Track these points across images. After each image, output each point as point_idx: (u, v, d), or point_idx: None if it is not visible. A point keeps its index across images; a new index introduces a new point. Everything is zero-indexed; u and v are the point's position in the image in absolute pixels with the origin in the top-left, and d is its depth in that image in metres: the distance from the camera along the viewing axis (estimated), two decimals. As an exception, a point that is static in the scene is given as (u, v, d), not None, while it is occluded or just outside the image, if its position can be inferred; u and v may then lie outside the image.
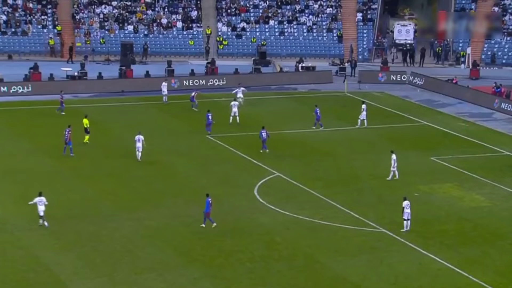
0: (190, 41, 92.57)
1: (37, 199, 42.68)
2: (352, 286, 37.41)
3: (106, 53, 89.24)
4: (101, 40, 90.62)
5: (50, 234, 42.14)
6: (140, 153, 53.91)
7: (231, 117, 63.53)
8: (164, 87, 70.96)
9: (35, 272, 37.73)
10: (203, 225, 43.20)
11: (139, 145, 53.87)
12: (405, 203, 43.11)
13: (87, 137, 56.83)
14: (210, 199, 43.39)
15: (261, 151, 56.84)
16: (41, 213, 42.53)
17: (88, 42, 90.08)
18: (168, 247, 41.02)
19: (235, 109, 63.78)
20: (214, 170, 53.64)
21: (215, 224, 43.20)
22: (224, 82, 79.64)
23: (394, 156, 51.54)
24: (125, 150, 56.68)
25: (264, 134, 57.12)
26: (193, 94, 68.96)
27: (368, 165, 55.41)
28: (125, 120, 64.55)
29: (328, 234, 43.27)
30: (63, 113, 65.47)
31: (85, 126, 56.63)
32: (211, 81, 79.74)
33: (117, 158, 55.00)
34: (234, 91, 69.25)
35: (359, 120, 64.45)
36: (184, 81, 78.86)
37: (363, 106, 64.71)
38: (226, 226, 43.91)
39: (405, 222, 43.04)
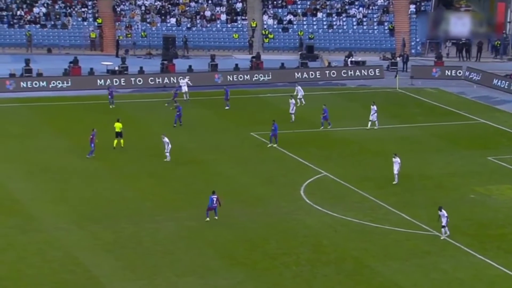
0: (234, 35, 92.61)
1: None
2: (403, 292, 37.09)
3: (147, 47, 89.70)
4: (142, 33, 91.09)
5: (89, 235, 42.42)
6: (168, 154, 53.62)
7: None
8: (183, 84, 70.36)
9: (74, 274, 38.00)
10: (208, 219, 43.96)
11: (167, 148, 53.55)
12: (441, 213, 41.97)
13: (121, 141, 55.86)
14: (215, 196, 43.91)
15: (269, 145, 56.79)
16: None
17: (129, 36, 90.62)
18: (209, 249, 41.04)
19: (292, 106, 63.48)
20: (258, 169, 53.57)
21: (208, 219, 43.96)
22: (270, 78, 79.52)
23: (398, 159, 50.33)
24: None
25: (273, 128, 56.71)
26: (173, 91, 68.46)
27: (420, 164, 54.90)
28: (166, 116, 64.75)
29: (378, 237, 42.93)
30: (113, 106, 66.17)
31: (118, 130, 56.06)
32: (256, 76, 79.66)
33: (158, 156, 55.19)
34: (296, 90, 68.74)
35: (369, 122, 62.86)
36: (228, 76, 78.90)
37: (373, 106, 63.03)
38: (270, 228, 43.80)
39: (442, 229, 42.17)
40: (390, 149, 58.28)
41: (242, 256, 40.46)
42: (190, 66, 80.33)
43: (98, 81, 75.53)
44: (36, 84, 74.08)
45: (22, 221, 43.82)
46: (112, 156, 54.79)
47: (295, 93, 67.66)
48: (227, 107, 67.42)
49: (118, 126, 56.14)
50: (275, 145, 57.03)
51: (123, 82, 75.85)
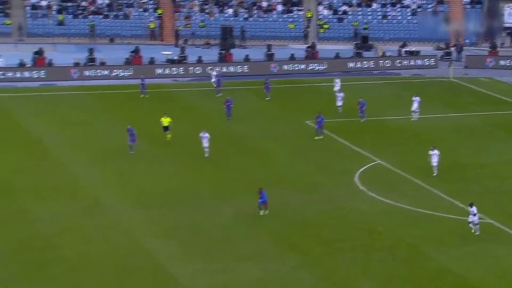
0: (290, 25, 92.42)
1: None
2: (457, 278, 36.74)
3: (205, 37, 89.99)
4: (200, 24, 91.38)
5: (150, 220, 42.80)
6: (206, 151, 52.11)
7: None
8: (214, 75, 69.94)
9: (136, 256, 38.39)
10: (262, 212, 43.07)
11: (206, 144, 51.97)
12: (472, 209, 41.00)
13: (169, 135, 54.90)
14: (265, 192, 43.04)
15: (316, 138, 56.12)
16: None
17: (188, 26, 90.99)
18: (266, 235, 41.10)
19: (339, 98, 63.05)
20: (313, 157, 53.47)
21: (262, 212, 43.17)
22: (325, 67, 79.26)
23: (436, 152, 49.38)
24: (224, 136, 57.07)
25: (319, 120, 56.09)
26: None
27: (474, 153, 54.29)
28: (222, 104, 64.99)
29: (431, 224, 42.60)
30: (142, 96, 66.02)
31: (166, 125, 54.83)
32: (311, 66, 79.46)
33: (216, 144, 55.38)
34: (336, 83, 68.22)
35: (412, 113, 61.67)
36: (284, 66, 78.82)
37: (416, 98, 61.91)
38: (325, 214, 43.73)
39: (470, 225, 41.16)
40: (444, 137, 57.76)
41: (298, 242, 40.45)
42: (246, 56, 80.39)
43: (158, 70, 76.06)
44: (99, 72, 74.91)
45: (87, 205, 44.40)
46: (172, 143, 55.14)
47: (335, 88, 67.02)
48: (268, 98, 66.85)
49: (165, 120, 54.91)
50: (320, 137, 56.32)
51: (182, 71, 76.26)
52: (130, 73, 74.98)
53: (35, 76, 73.30)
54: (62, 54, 78.90)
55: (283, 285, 36.04)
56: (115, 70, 75.22)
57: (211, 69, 72.59)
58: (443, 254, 38.99)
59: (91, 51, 78.43)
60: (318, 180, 48.95)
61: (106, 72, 74.96)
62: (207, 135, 51.81)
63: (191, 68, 76.65)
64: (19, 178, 48.14)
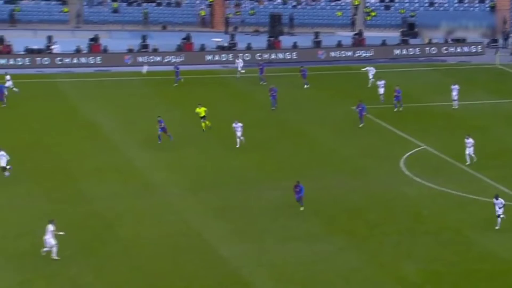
0: (337, 12, 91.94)
1: None
2: (502, 262, 36.41)
3: (255, 24, 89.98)
4: (250, 11, 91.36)
5: (201, 201, 43.08)
6: (239, 140, 50.86)
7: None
8: (239, 62, 69.33)
9: (187, 237, 38.71)
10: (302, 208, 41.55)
11: (239, 134, 50.76)
12: (497, 201, 39.94)
13: (204, 123, 53.71)
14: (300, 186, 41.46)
15: (361, 125, 55.43)
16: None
17: (238, 13, 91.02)
18: (313, 217, 41.13)
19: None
20: (359, 142, 53.28)
21: (302, 208, 41.49)
22: (371, 54, 78.82)
23: (471, 140, 48.23)
24: (271, 121, 57.14)
25: (361, 109, 55.40)
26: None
27: (520, 139, 53.60)
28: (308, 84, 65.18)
29: (476, 209, 42.23)
30: (176, 85, 65.91)
31: (203, 115, 53.67)
32: (358, 53, 79.07)
33: (264, 128, 55.54)
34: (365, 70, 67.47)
35: (454, 102, 60.10)
36: (331, 53, 78.55)
37: (455, 86, 60.23)
38: (371, 198, 43.60)
39: (498, 219, 40.21)
40: (489, 123, 57.14)
41: (344, 224, 40.43)
42: (295, 43, 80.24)
43: (208, 56, 76.31)
44: (151, 58, 75.36)
45: (140, 187, 44.81)
46: (220, 126, 55.34)
47: (364, 69, 66.44)
48: (306, 86, 66.09)
49: (201, 110, 53.86)
50: (361, 125, 55.76)
51: (231, 58, 76.34)
52: (181, 59, 75.30)
53: (91, 62, 74.02)
54: (117, 41, 79.52)
55: (330, 265, 36.07)
56: (167, 56, 75.65)
57: (236, 56, 72.31)
58: (488, 238, 38.67)
59: (144, 38, 78.94)
60: (364, 165, 48.79)
61: (158, 58, 75.42)
62: (240, 124, 50.82)
63: (240, 54, 76.67)
64: (77, 160, 48.73)
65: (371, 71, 66.45)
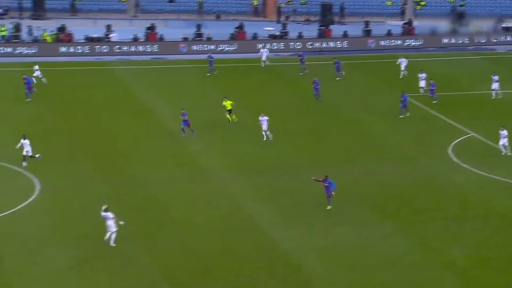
0: (387, 2, 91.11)
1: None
2: (548, 249, 35.89)
3: (306, 14, 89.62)
4: (302, 1, 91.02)
5: (251, 185, 43.16)
6: (265, 134, 49.41)
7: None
8: (264, 52, 68.61)
9: (238, 220, 38.84)
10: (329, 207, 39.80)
11: (265, 127, 49.36)
12: (502, 133, 38.09)
13: (234, 116, 52.47)
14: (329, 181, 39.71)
15: (401, 116, 54.51)
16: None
17: (290, 3, 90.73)
18: (361, 202, 40.95)
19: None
20: (408, 128, 52.84)
21: (329, 207, 39.57)
22: (421, 43, 78.02)
23: (505, 132, 47.14)
24: (321, 107, 56.94)
25: (403, 99, 54.38)
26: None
27: None
28: (323, 79, 64.68)
29: (523, 196, 41.65)
30: (209, 74, 65.47)
31: (229, 108, 52.36)
32: (408, 42, 78.32)
33: (314, 114, 55.37)
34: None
35: (492, 92, 59.24)
36: (381, 41, 77.94)
37: (494, 77, 59.21)
38: (419, 184, 43.24)
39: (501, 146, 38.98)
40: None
41: (392, 210, 40.18)
42: (345, 32, 79.77)
43: (259, 44, 76.26)
44: (205, 47, 75.59)
45: (194, 172, 45.06)
46: (271, 113, 55.29)
47: (397, 63, 65.50)
48: (338, 78, 64.89)
49: (228, 104, 52.53)
50: (407, 115, 54.65)
51: (282, 46, 76.25)
52: (234, 48, 75.40)
53: (148, 50, 74.51)
54: (172, 30, 79.89)
55: (378, 250, 35.91)
56: (220, 45, 75.82)
57: (262, 46, 71.70)
58: (535, 225, 38.13)
59: (198, 26, 79.20)
60: (412, 152, 48.39)
61: (212, 47, 75.62)
62: (266, 118, 49.41)
63: (292, 43, 76.57)
64: (133, 145, 49.14)
65: (403, 62, 65.67)
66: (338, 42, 77.71)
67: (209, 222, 38.53)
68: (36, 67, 61.46)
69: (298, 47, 76.21)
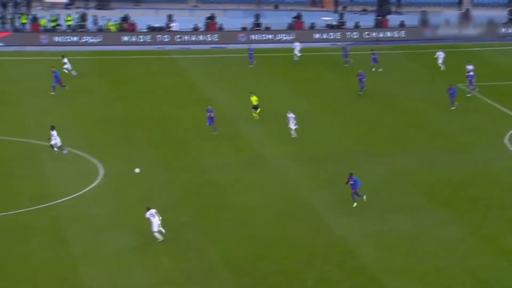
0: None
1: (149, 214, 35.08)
2: None
3: (363, 4, 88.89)
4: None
5: (307, 172, 43.14)
6: (293, 130, 47.78)
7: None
8: (297, 46, 67.52)
9: (295, 206, 38.88)
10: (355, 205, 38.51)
11: (291, 125, 47.74)
12: None
13: (255, 114, 51.08)
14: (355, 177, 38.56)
15: (453, 108, 53.50)
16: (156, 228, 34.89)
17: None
18: (416, 190, 40.62)
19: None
20: (463, 118, 52.16)
21: (355, 204, 38.43)
22: (478, 32, 76.79)
23: None
24: (377, 96, 56.56)
25: (452, 92, 53.34)
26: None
27: None
28: (381, 68, 64.23)
29: None
30: (250, 66, 64.47)
31: (255, 104, 51.01)
32: (465, 31, 77.15)
33: (368, 104, 55.00)
34: None
35: None
36: (438, 31, 76.99)
37: None
38: (474, 173, 42.71)
39: None
40: None
41: (447, 198, 39.77)
42: (402, 22, 78.93)
43: (316, 34, 76.02)
44: (264, 36, 75.61)
45: (251, 158, 45.20)
46: (328, 101, 55.16)
47: (435, 56, 64.32)
48: (374, 69, 63.08)
49: (253, 99, 51.17)
50: (453, 108, 53.61)
51: (339, 36, 75.84)
52: (292, 37, 75.23)
53: (208, 39, 74.83)
54: (231, 19, 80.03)
55: (433, 238, 35.61)
56: (278, 35, 75.76)
57: (295, 40, 70.68)
58: None
59: (257, 16, 79.20)
60: (468, 140, 47.79)
61: (270, 36, 75.60)
62: (292, 115, 47.78)
63: (348, 33, 76.07)
64: (193, 131, 49.35)
65: (441, 55, 64.59)
66: (395, 32, 76.95)
67: (266, 207, 38.63)
68: (65, 59, 60.36)
69: (355, 37, 75.66)
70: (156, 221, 34.58)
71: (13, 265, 32.54)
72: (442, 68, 63.54)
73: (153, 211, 34.84)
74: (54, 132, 43.46)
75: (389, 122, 51.67)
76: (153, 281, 31.77)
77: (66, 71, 59.37)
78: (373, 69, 63.14)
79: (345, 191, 40.47)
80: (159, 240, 34.53)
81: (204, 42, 74.42)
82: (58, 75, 55.59)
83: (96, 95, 56.92)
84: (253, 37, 75.32)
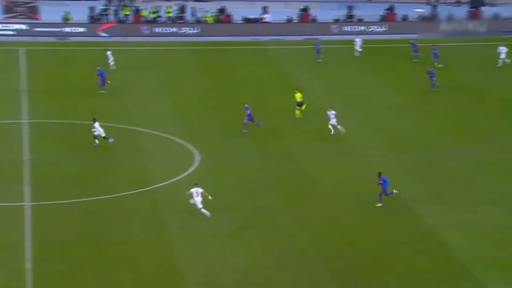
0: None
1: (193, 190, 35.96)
2: None
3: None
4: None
5: (396, 162, 42.81)
6: (333, 128, 46.39)
7: None
8: (358, 42, 66.03)
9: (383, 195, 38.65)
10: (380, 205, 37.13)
11: (333, 121, 46.33)
12: None
13: (298, 112, 49.39)
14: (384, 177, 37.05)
15: None
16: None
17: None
18: (508, 180, 39.79)
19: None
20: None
21: (380, 204, 37.00)
22: None
23: None
24: (466, 88, 55.63)
25: None
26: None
27: None
28: (468, 58, 63.06)
29: None
30: (320, 60, 63.62)
31: (299, 100, 49.24)
32: None
33: (457, 95, 54.13)
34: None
35: None
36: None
37: None
38: None
39: None
40: None
41: (538, 190, 38.89)
42: (496, 14, 77.08)
43: (409, 26, 75.16)
44: (356, 28, 75.15)
45: (341, 147, 45.14)
46: (414, 93, 54.51)
47: (498, 50, 62.08)
48: (437, 64, 61.49)
49: (298, 96, 49.35)
50: None
51: (432, 28, 74.66)
52: (384, 29, 74.55)
53: (301, 31, 74.87)
54: (325, 11, 79.82)
55: (523, 230, 34.92)
56: (370, 26, 75.17)
57: (356, 37, 69.20)
58: None
59: (350, 8, 78.75)
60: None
61: (362, 28, 75.09)
62: (333, 112, 46.37)
63: (440, 25, 74.89)
64: (287, 121, 49.60)
65: (503, 50, 62.44)
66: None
67: (356, 196, 38.57)
68: (109, 52, 58.94)
69: (447, 28, 74.31)
70: (199, 200, 35.26)
71: (115, 245, 33.55)
72: (506, 61, 61.38)
73: (199, 190, 35.44)
74: (96, 124, 43.47)
75: (477, 113, 50.72)
76: (246, 264, 32.24)
77: (112, 65, 58.22)
78: (437, 65, 60.93)
79: (435, 181, 40.07)
80: (207, 215, 35.20)
81: (297, 33, 74.45)
82: (103, 73, 53.34)
83: (193, 84, 57.80)
84: (345, 28, 74.96)
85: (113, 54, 59.29)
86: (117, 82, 56.55)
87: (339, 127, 46.42)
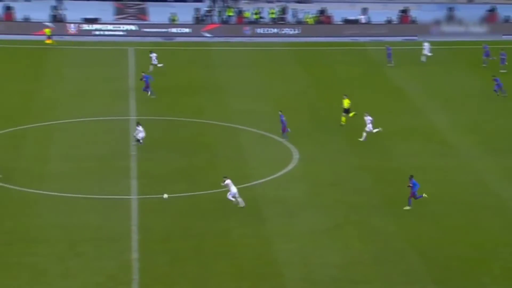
0: None
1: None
2: None
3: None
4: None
5: (497, 163, 41.63)
6: (366, 133, 44.58)
7: None
8: (426, 47, 63.40)
9: (483, 195, 37.69)
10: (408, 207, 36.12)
11: (369, 126, 44.43)
12: None
13: (343, 118, 47.25)
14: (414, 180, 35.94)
15: None
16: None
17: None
18: None
19: None
20: None
21: (408, 207, 35.96)
22: None
23: None
24: None
25: None
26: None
27: None
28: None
29: None
30: (391, 65, 61.71)
31: (346, 107, 47.23)
32: None
33: None
34: None
35: None
36: None
37: None
38: None
39: None
40: None
41: None
42: None
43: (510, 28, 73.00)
44: (456, 29, 73.55)
45: (439, 147, 44.23)
46: (487, 89, 52.94)
47: None
48: (484, 64, 59.48)
49: (346, 102, 47.41)
50: None
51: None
52: (484, 30, 72.69)
53: (400, 32, 73.80)
54: (425, 12, 78.34)
55: None
56: (470, 27, 73.42)
57: (424, 42, 66.45)
58: None
59: (450, 9, 77.07)
60: None
61: (462, 29, 73.39)
62: (369, 118, 44.35)
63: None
64: (384, 120, 48.72)
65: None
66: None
67: (454, 196, 37.67)
68: (153, 54, 58.10)
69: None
70: (233, 189, 35.54)
71: (216, 237, 33.82)
72: None
73: (229, 181, 35.79)
74: (140, 128, 43.43)
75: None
76: (343, 261, 31.93)
77: (158, 64, 57.82)
78: (502, 71, 58.43)
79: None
80: (242, 205, 35.39)
81: (397, 34, 73.32)
82: (148, 79, 52.27)
83: (292, 84, 57.73)
84: (446, 29, 73.39)
85: (157, 57, 58.30)
86: (220, 80, 57.00)
87: (375, 130, 44.44)
